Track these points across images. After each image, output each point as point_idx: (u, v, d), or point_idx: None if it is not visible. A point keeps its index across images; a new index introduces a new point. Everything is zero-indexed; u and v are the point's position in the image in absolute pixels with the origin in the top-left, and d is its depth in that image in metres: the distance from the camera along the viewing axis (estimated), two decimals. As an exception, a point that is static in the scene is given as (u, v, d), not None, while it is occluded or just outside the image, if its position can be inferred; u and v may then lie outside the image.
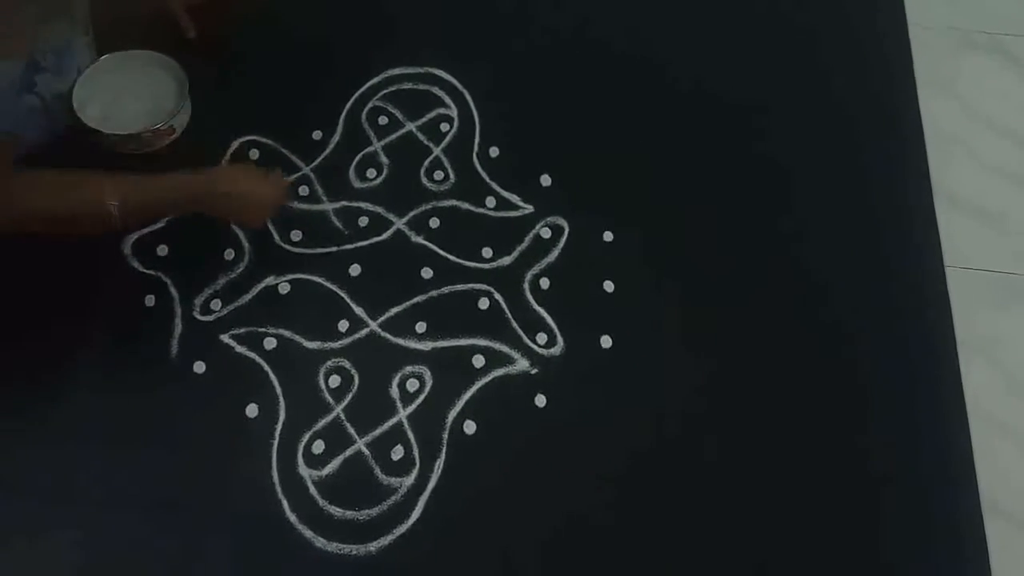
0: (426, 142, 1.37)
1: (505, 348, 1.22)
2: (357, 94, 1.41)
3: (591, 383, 1.20)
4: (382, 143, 1.37)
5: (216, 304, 1.22)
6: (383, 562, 1.08)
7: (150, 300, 1.22)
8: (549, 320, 1.24)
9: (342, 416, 1.16)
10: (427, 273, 1.26)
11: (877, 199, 1.37)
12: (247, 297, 1.23)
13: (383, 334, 1.22)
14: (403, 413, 1.17)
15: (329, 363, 1.19)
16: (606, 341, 1.23)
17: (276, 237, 1.27)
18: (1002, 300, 1.31)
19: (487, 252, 1.28)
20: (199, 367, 1.18)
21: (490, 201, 1.33)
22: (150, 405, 1.16)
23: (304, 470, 1.12)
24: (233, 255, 1.25)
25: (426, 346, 1.21)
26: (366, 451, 1.14)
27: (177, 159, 1.23)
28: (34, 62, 1.08)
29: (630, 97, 1.44)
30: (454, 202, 1.32)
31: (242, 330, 1.20)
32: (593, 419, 1.18)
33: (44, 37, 1.10)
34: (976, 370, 1.24)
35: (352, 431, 1.15)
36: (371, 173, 1.34)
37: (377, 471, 1.13)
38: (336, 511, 1.10)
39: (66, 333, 1.19)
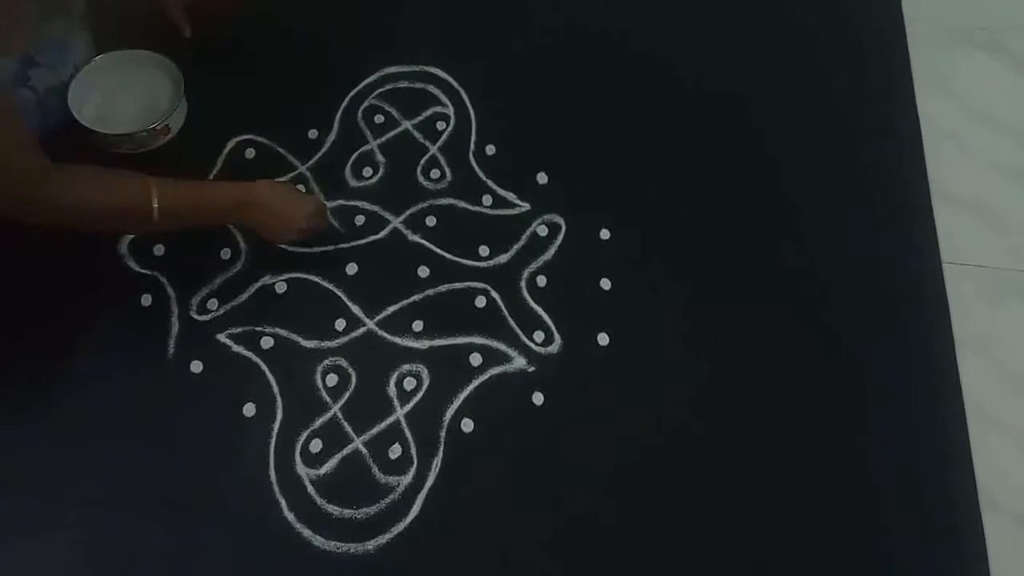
0: (422, 140, 1.37)
1: (502, 346, 1.22)
2: (353, 92, 1.41)
3: (588, 381, 1.20)
4: (378, 141, 1.37)
5: (213, 303, 1.22)
6: (381, 560, 1.08)
7: (147, 300, 1.22)
8: (546, 318, 1.24)
9: (339, 415, 1.16)
10: (424, 271, 1.26)
11: (875, 196, 1.37)
12: (244, 296, 1.23)
13: (380, 333, 1.22)
14: (401, 412, 1.17)
15: (326, 362, 1.19)
16: (603, 339, 1.23)
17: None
18: (998, 296, 1.31)
19: (484, 250, 1.28)
20: (196, 366, 1.18)
21: (487, 199, 1.33)
22: (147, 405, 1.16)
23: (302, 469, 1.12)
24: (230, 254, 1.25)
25: (423, 344, 1.21)
26: (364, 450, 1.14)
27: (173, 159, 1.23)
28: (28, 56, 1.08)
29: (626, 94, 1.44)
30: (451, 200, 1.33)
31: (239, 329, 1.20)
32: (590, 417, 1.18)
33: (42, 33, 1.10)
34: (972, 366, 1.24)
35: (350, 430, 1.15)
36: (367, 172, 1.34)
37: (375, 470, 1.13)
38: (334, 510, 1.10)
39: (63, 333, 1.19)
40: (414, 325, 1.22)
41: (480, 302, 1.25)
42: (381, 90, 1.41)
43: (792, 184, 1.38)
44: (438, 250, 1.28)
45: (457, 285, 1.26)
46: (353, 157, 1.35)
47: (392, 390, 1.18)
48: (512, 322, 1.23)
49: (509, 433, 1.16)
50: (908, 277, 1.31)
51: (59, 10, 1.12)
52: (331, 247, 1.27)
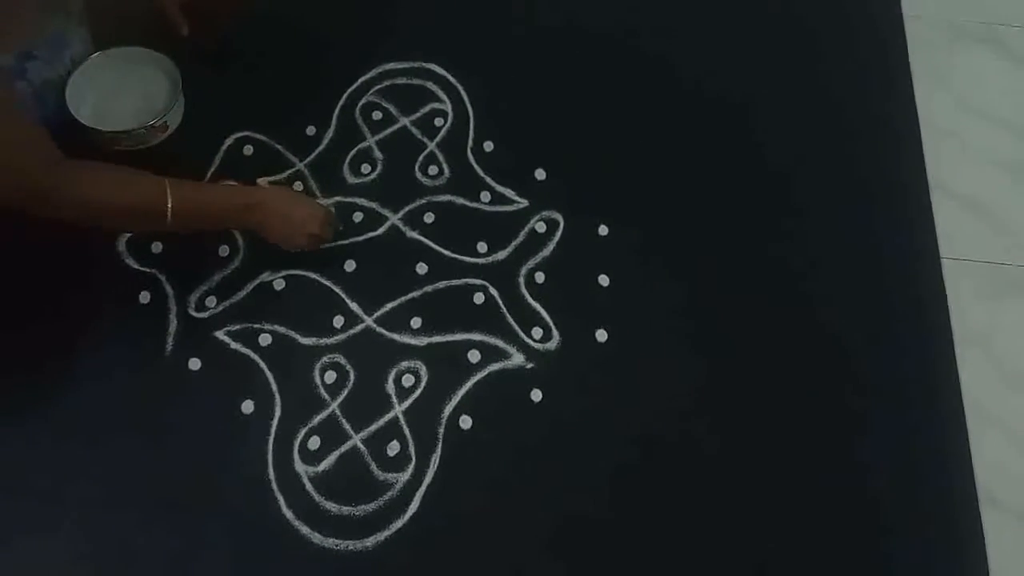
0: (420, 137, 1.37)
1: (500, 343, 1.22)
2: (351, 89, 1.41)
3: (587, 377, 1.20)
4: (376, 138, 1.37)
5: (211, 301, 1.22)
6: (380, 558, 1.08)
7: (145, 297, 1.22)
8: (544, 314, 1.24)
9: (338, 412, 1.16)
10: (422, 268, 1.26)
11: (873, 193, 1.37)
12: (242, 293, 1.23)
13: (378, 329, 1.22)
14: (399, 408, 1.17)
15: (324, 359, 1.19)
16: (601, 335, 1.23)
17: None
18: (996, 291, 1.31)
19: (482, 247, 1.28)
20: (194, 364, 1.18)
21: (485, 196, 1.33)
22: (146, 402, 1.16)
23: (300, 466, 1.13)
24: (228, 251, 1.25)
25: (421, 341, 1.21)
26: (362, 447, 1.14)
27: (171, 156, 1.22)
28: (25, 50, 1.08)
29: (625, 90, 1.44)
30: (449, 197, 1.32)
31: (237, 326, 1.20)
32: (589, 413, 1.18)
33: (40, 29, 1.10)
34: (971, 363, 1.24)
35: (348, 427, 1.15)
36: (365, 168, 1.34)
37: (373, 467, 1.13)
38: (332, 507, 1.10)
39: (62, 331, 1.19)
40: (412, 322, 1.22)
41: (478, 299, 1.25)
42: (379, 87, 1.41)
43: (790, 181, 1.37)
44: (436, 247, 1.28)
45: (455, 282, 1.26)
46: (351, 154, 1.35)
47: (391, 387, 1.18)
48: (510, 319, 1.23)
49: (507, 430, 1.16)
50: (907, 273, 1.31)
51: (58, 8, 1.12)
52: (329, 244, 1.26)
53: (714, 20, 1.53)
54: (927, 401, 1.21)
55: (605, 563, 1.10)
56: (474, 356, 1.20)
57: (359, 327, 1.22)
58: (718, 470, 1.15)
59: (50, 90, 1.16)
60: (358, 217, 1.30)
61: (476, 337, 1.22)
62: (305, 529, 1.09)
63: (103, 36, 1.24)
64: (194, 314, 1.21)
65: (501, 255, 1.28)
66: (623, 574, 1.09)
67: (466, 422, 1.16)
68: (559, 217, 1.31)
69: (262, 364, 1.18)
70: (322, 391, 1.17)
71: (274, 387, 1.17)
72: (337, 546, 1.08)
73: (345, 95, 1.40)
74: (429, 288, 1.25)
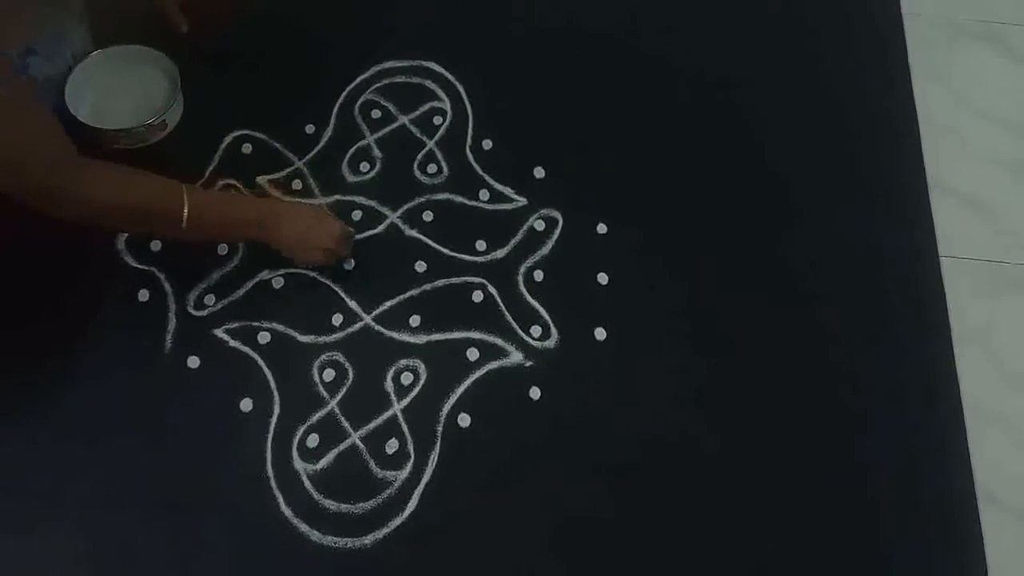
0: (419, 135, 1.37)
1: (499, 341, 1.22)
2: (350, 88, 1.41)
3: (585, 375, 1.20)
4: (375, 136, 1.37)
5: (210, 299, 1.22)
6: (378, 555, 1.08)
7: (144, 295, 1.22)
8: (543, 313, 1.24)
9: (336, 410, 1.16)
10: (421, 266, 1.26)
11: (872, 191, 1.37)
12: (241, 292, 1.23)
13: (377, 328, 1.22)
14: (398, 406, 1.17)
15: (323, 357, 1.19)
16: (600, 333, 1.23)
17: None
18: (994, 289, 1.31)
19: (481, 245, 1.28)
20: (193, 362, 1.18)
21: (484, 194, 1.33)
22: (145, 400, 1.16)
23: (299, 464, 1.13)
24: (226, 250, 1.25)
25: (420, 339, 1.21)
26: (361, 445, 1.14)
27: (170, 154, 1.23)
28: (27, 47, 1.09)
29: (624, 88, 1.44)
30: (448, 195, 1.32)
31: (236, 324, 1.21)
32: (587, 411, 1.18)
33: (40, 26, 1.10)
34: (970, 361, 1.24)
35: (346, 425, 1.15)
36: (364, 167, 1.34)
37: (372, 464, 1.13)
38: (331, 504, 1.11)
39: (61, 329, 1.19)
40: (411, 320, 1.22)
41: (477, 297, 1.25)
42: (378, 85, 1.41)
43: (789, 179, 1.37)
44: (435, 245, 1.28)
45: (454, 280, 1.26)
46: (350, 152, 1.35)
47: (389, 385, 1.18)
48: (509, 317, 1.23)
49: (506, 428, 1.16)
50: (906, 272, 1.31)
51: (58, 5, 1.13)
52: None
53: (713, 20, 1.53)
54: (926, 400, 1.21)
55: (604, 562, 1.10)
56: (473, 354, 1.20)
57: (358, 325, 1.22)
58: (717, 469, 1.15)
59: (51, 87, 1.16)
60: (357, 215, 1.30)
61: (475, 335, 1.22)
62: (304, 527, 1.09)
63: (103, 34, 1.25)
64: (193, 312, 1.21)
65: (500, 253, 1.28)
66: (622, 573, 1.09)
67: (465, 420, 1.16)
68: (558, 215, 1.31)
69: (261, 362, 1.18)
70: (321, 389, 1.17)
71: (273, 385, 1.17)
72: (336, 544, 1.08)
73: (344, 93, 1.40)
74: (428, 286, 1.25)
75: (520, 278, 1.26)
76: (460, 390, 1.18)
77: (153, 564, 1.07)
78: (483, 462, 1.14)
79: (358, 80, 1.41)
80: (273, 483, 1.11)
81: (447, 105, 1.40)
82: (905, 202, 1.36)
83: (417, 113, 1.39)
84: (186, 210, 1.06)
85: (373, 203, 1.31)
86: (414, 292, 1.24)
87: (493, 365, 1.20)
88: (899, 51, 1.51)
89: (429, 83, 1.42)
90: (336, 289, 1.24)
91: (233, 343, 1.19)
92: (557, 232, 1.30)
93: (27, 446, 1.13)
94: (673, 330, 1.24)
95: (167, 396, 1.16)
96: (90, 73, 1.23)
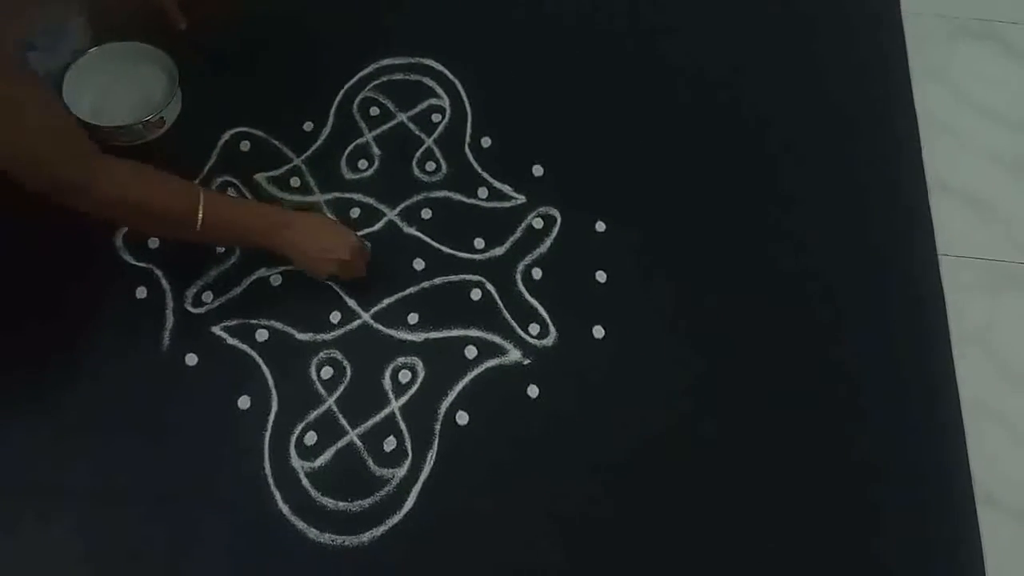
0: (418, 133, 1.37)
1: (497, 339, 1.21)
2: (348, 85, 1.40)
3: (584, 373, 1.20)
4: (373, 134, 1.37)
5: (208, 296, 1.22)
6: (376, 553, 1.08)
7: (142, 292, 1.22)
8: (541, 311, 1.24)
9: (334, 408, 1.16)
10: (419, 264, 1.26)
11: (871, 188, 1.37)
12: (238, 289, 1.23)
13: (375, 325, 1.22)
14: (395, 404, 1.17)
15: (321, 354, 1.19)
16: (598, 331, 1.23)
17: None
18: (994, 287, 1.31)
19: (479, 243, 1.28)
20: (191, 359, 1.18)
21: (482, 191, 1.33)
22: (142, 398, 1.16)
23: (296, 462, 1.12)
24: (224, 247, 1.25)
25: (418, 337, 1.21)
26: (358, 442, 1.14)
27: (168, 151, 1.23)
28: (27, 40, 1.09)
29: (622, 86, 1.44)
30: (446, 193, 1.32)
31: (234, 322, 1.20)
32: (586, 409, 1.18)
33: (40, 20, 1.10)
34: (967, 358, 1.24)
35: (344, 422, 1.15)
36: (363, 164, 1.34)
37: (370, 462, 1.13)
38: (329, 502, 1.10)
39: (58, 326, 1.19)
40: (409, 318, 1.22)
41: (475, 295, 1.24)
42: (376, 82, 1.41)
43: (788, 176, 1.37)
44: (433, 243, 1.28)
45: (452, 278, 1.26)
46: (348, 149, 1.35)
47: (387, 383, 1.18)
48: (507, 315, 1.23)
49: (504, 426, 1.16)
50: (904, 270, 1.30)
51: (58, 2, 1.13)
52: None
53: (712, 18, 1.52)
54: (924, 399, 1.21)
55: (602, 560, 1.10)
56: (471, 352, 1.20)
57: (356, 323, 1.22)
58: (714, 467, 1.15)
59: (50, 82, 1.17)
60: (355, 213, 1.30)
61: (473, 333, 1.22)
62: (301, 524, 1.09)
63: (102, 30, 1.25)
64: (191, 309, 1.21)
65: (498, 251, 1.28)
66: (620, 571, 1.09)
67: (463, 418, 1.16)
68: (556, 213, 1.31)
69: (259, 360, 1.18)
70: (319, 387, 1.17)
71: (271, 383, 1.17)
72: (333, 541, 1.08)
73: (342, 91, 1.40)
74: (426, 284, 1.25)
75: (518, 276, 1.26)
76: (458, 388, 1.18)
77: (150, 561, 1.07)
78: (481, 460, 1.14)
79: (357, 77, 1.41)
80: (271, 481, 1.11)
81: (446, 103, 1.40)
82: (904, 200, 1.36)
83: (416, 110, 1.39)
84: (201, 214, 1.05)
85: (371, 200, 1.31)
86: (412, 290, 1.24)
87: (491, 363, 1.20)
88: (899, 49, 1.51)
89: (428, 80, 1.41)
90: (334, 287, 1.23)
91: (231, 341, 1.19)
92: (555, 230, 1.30)
93: (24, 443, 1.13)
94: (671, 328, 1.24)
95: (165, 394, 1.16)
96: (88, 70, 1.23)
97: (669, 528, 1.12)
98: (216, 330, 1.20)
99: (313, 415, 1.15)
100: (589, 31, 1.49)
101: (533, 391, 1.18)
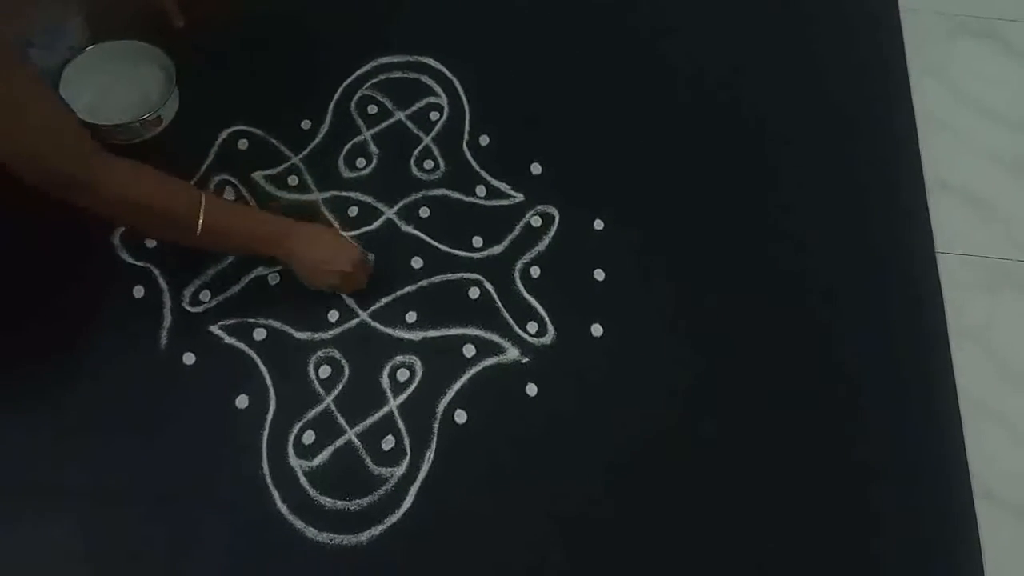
0: (416, 131, 1.37)
1: (496, 337, 1.21)
2: (346, 83, 1.40)
3: (582, 372, 1.20)
4: (372, 132, 1.36)
5: (205, 295, 1.22)
6: (374, 552, 1.08)
7: (139, 291, 1.21)
8: (540, 309, 1.24)
9: (332, 406, 1.16)
10: (417, 262, 1.26)
11: (869, 187, 1.37)
12: (236, 288, 1.22)
13: (373, 324, 1.21)
14: (394, 403, 1.16)
15: (319, 353, 1.19)
16: (597, 329, 1.22)
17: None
18: (992, 285, 1.31)
19: (477, 241, 1.28)
20: (188, 358, 1.17)
21: (480, 190, 1.32)
22: (140, 397, 1.15)
23: (295, 461, 1.12)
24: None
25: (416, 336, 1.21)
26: (357, 441, 1.14)
27: (166, 150, 1.22)
28: (25, 38, 1.09)
29: (621, 85, 1.44)
30: (444, 191, 1.32)
31: (231, 321, 1.20)
32: (584, 408, 1.18)
33: (38, 18, 1.10)
34: (966, 356, 1.24)
35: (343, 421, 1.15)
36: (361, 162, 1.34)
37: (368, 461, 1.13)
38: (327, 501, 1.10)
39: (56, 325, 1.19)
40: (407, 316, 1.22)
41: (474, 293, 1.24)
42: (374, 80, 1.41)
43: (787, 175, 1.37)
44: (431, 241, 1.28)
45: (451, 276, 1.25)
46: (346, 148, 1.35)
47: (385, 381, 1.18)
48: (505, 313, 1.23)
49: (502, 424, 1.16)
50: (903, 269, 1.30)
51: (55, 0, 1.13)
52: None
53: (711, 16, 1.52)
54: (923, 397, 1.21)
55: (601, 559, 1.09)
56: (469, 350, 1.20)
57: (354, 321, 1.21)
58: (713, 465, 1.15)
59: (48, 80, 1.16)
60: (353, 211, 1.29)
61: (471, 331, 1.22)
62: (299, 523, 1.09)
63: (99, 28, 1.25)
64: (188, 308, 1.21)
65: (496, 249, 1.28)
66: (618, 570, 1.09)
67: (461, 416, 1.16)
68: (554, 211, 1.31)
69: (256, 359, 1.18)
70: (317, 386, 1.17)
71: (268, 381, 1.17)
72: (331, 540, 1.08)
73: (340, 89, 1.39)
74: (424, 282, 1.25)
75: (517, 274, 1.26)
76: (456, 387, 1.18)
77: (148, 560, 1.07)
78: (479, 459, 1.14)
79: (355, 75, 1.41)
80: (269, 480, 1.11)
81: (444, 101, 1.40)
82: (903, 198, 1.36)
83: (414, 109, 1.39)
84: (202, 218, 1.05)
85: (369, 199, 1.31)
86: (410, 288, 1.24)
87: (489, 361, 1.20)
88: (897, 47, 1.51)
89: (426, 79, 1.41)
90: (333, 286, 1.23)
91: (229, 340, 1.19)
92: (554, 228, 1.30)
93: (22, 443, 1.12)
94: (670, 327, 1.24)
95: (162, 393, 1.16)
96: (85, 68, 1.23)
97: (669, 528, 1.12)
98: (214, 329, 1.20)
99: (311, 414, 1.15)
100: (588, 30, 1.49)
101: (532, 390, 1.18)
